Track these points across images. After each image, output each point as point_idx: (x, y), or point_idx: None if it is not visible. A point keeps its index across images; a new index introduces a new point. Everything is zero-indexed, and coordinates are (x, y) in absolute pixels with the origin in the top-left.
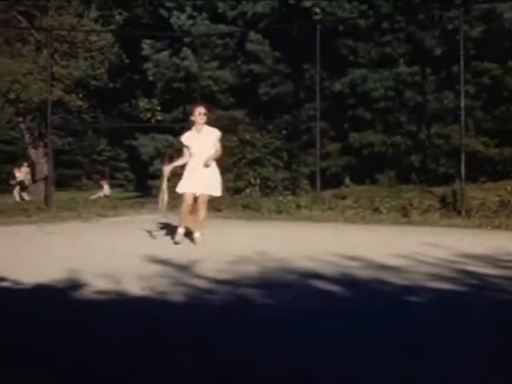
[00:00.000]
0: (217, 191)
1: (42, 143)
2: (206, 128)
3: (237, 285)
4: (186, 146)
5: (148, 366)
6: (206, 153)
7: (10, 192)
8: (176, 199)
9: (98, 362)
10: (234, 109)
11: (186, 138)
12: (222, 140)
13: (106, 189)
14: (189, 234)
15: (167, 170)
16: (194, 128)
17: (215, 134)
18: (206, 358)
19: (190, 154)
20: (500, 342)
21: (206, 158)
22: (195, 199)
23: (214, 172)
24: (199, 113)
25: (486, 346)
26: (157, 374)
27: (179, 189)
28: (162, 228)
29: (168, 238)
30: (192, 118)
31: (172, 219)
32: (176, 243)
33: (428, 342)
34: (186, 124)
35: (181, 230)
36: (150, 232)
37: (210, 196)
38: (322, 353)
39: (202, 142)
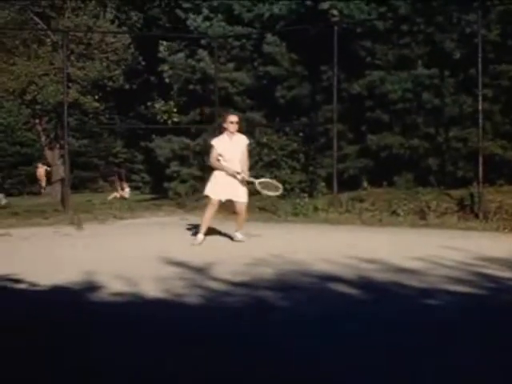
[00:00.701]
0: (244, 198)
1: (58, 145)
2: (237, 135)
3: (254, 287)
4: (216, 150)
5: (163, 367)
6: (235, 159)
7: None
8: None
9: (112, 363)
10: (251, 111)
11: (217, 143)
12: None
13: (127, 191)
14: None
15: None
16: (225, 134)
17: (244, 141)
18: (222, 359)
19: (219, 159)
20: None
21: (235, 164)
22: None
23: (242, 179)
24: (231, 121)
25: (503, 347)
26: (171, 373)
27: (212, 194)
28: (180, 230)
29: (185, 239)
30: (224, 126)
31: (192, 220)
32: (194, 244)
33: (446, 343)
34: (206, 126)
35: (201, 236)
36: (167, 234)
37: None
38: (340, 354)
39: (233, 148)
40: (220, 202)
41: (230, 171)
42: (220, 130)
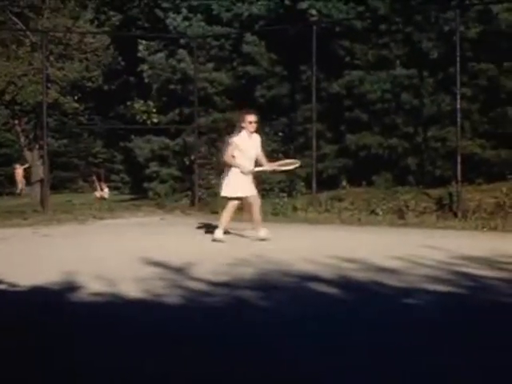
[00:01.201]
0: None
1: (37, 145)
2: (254, 134)
3: (234, 287)
4: (238, 149)
5: (143, 369)
6: (253, 157)
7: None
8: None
9: (92, 364)
10: (230, 111)
11: (239, 140)
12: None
13: (106, 192)
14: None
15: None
16: (244, 133)
17: (259, 139)
18: (202, 360)
19: (238, 157)
20: (497, 343)
21: (252, 163)
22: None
23: (257, 170)
24: (250, 121)
25: (483, 346)
26: (151, 375)
27: (229, 194)
28: (160, 230)
29: (164, 239)
30: (242, 125)
31: (171, 221)
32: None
33: (425, 343)
34: (185, 126)
35: (221, 232)
36: (147, 234)
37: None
38: (321, 354)
39: (252, 147)
40: (238, 200)
41: (245, 170)
42: (238, 130)
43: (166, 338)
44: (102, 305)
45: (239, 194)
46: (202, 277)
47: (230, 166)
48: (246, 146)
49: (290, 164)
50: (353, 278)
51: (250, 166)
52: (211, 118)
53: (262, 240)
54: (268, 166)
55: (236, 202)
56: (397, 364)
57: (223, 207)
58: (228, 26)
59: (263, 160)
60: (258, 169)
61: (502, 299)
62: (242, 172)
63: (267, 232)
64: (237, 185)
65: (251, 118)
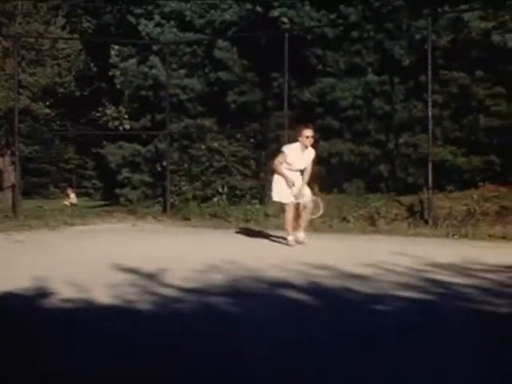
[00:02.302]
0: (307, 197)
1: (9, 151)
2: (309, 148)
3: (205, 293)
4: (287, 159)
5: (112, 372)
6: (300, 170)
7: None
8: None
9: (61, 369)
10: (202, 117)
11: (289, 152)
12: (198, 148)
13: (73, 197)
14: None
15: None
16: (297, 145)
17: (312, 154)
18: (169, 364)
19: (287, 167)
20: (466, 349)
21: (298, 175)
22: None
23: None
24: (307, 136)
25: (452, 353)
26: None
27: (282, 199)
28: (132, 237)
29: (136, 246)
30: (299, 139)
31: (143, 227)
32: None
33: (394, 349)
34: (157, 133)
35: (292, 238)
36: (118, 241)
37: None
38: (287, 359)
39: (302, 161)
40: (294, 205)
41: (289, 181)
42: (294, 141)
43: (134, 341)
44: (73, 310)
45: (285, 200)
46: (173, 283)
47: (277, 173)
48: (295, 159)
49: (315, 206)
50: (324, 284)
51: (294, 176)
52: (183, 124)
53: (300, 243)
54: (302, 186)
55: (292, 206)
56: (365, 369)
57: (195, 213)
58: (200, 33)
59: (306, 176)
60: (295, 187)
61: (472, 306)
62: (285, 182)
63: (305, 237)
64: (282, 190)
65: (308, 132)
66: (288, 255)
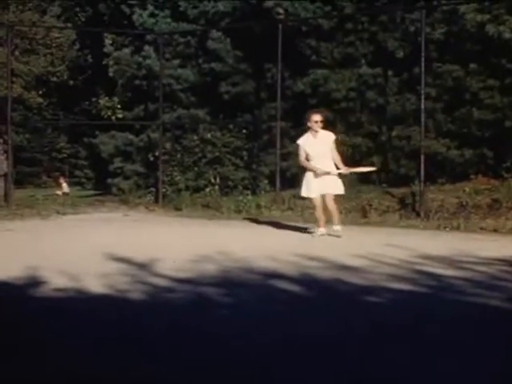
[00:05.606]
0: (339, 190)
1: (1, 140)
2: (322, 132)
3: (197, 284)
4: (305, 150)
5: (105, 364)
6: (322, 156)
7: None
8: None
9: (52, 362)
10: (195, 107)
11: (303, 142)
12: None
13: (65, 187)
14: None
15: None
16: (309, 133)
17: (331, 137)
18: (163, 354)
19: (308, 157)
20: (457, 341)
21: (323, 161)
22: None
23: (333, 172)
24: (315, 121)
25: (444, 345)
26: (114, 370)
27: (307, 193)
28: (124, 226)
29: (128, 235)
30: (308, 125)
31: (135, 217)
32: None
33: (386, 340)
34: (150, 123)
35: (322, 230)
36: (110, 230)
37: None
38: (281, 351)
39: (319, 146)
40: (321, 197)
41: (319, 171)
42: (305, 130)
43: (126, 332)
44: (65, 299)
45: (312, 195)
46: (166, 273)
47: (306, 169)
48: (311, 147)
49: (365, 167)
50: (315, 275)
51: (322, 164)
52: (176, 114)
53: (335, 235)
54: (344, 170)
55: (319, 201)
56: (357, 361)
57: (187, 204)
58: (194, 23)
59: (339, 163)
60: (334, 171)
61: (463, 298)
62: (316, 173)
63: (341, 231)
64: (313, 184)
65: (317, 117)
66: (280, 246)
